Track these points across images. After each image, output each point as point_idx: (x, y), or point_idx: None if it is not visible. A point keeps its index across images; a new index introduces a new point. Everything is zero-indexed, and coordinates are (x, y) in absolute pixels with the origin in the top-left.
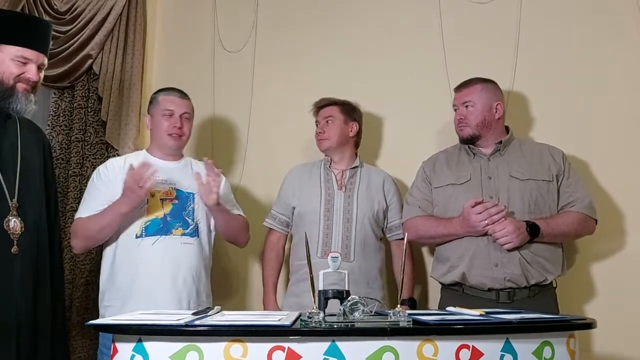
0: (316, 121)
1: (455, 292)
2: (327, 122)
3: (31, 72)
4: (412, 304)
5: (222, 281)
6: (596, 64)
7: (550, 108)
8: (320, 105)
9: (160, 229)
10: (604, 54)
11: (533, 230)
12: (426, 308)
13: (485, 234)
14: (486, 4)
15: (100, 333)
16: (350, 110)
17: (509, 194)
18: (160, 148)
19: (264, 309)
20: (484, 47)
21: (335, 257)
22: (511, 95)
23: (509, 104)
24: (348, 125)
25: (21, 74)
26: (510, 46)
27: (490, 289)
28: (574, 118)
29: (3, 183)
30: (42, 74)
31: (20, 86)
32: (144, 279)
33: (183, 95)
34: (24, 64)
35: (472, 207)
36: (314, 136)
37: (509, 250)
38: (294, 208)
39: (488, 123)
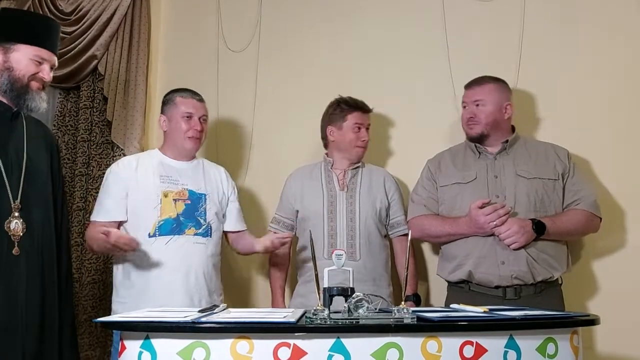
0: (358, 123)
1: (462, 289)
2: (367, 129)
3: (45, 72)
4: (417, 299)
5: (229, 281)
6: (599, 61)
7: (553, 106)
8: (365, 110)
9: (173, 228)
10: (606, 52)
11: (539, 228)
12: (429, 305)
13: (492, 233)
14: (490, 1)
15: (114, 331)
16: None
17: (515, 193)
18: (177, 149)
19: None
20: (487, 45)
21: (340, 255)
22: (515, 93)
23: (512, 102)
24: None
25: (36, 73)
26: (513, 44)
27: (497, 287)
28: (577, 116)
29: (7, 184)
30: (52, 74)
31: (34, 84)
32: (158, 277)
33: (200, 98)
34: (40, 63)
35: (480, 207)
36: (315, 135)
37: (516, 249)
38: (297, 211)
39: (497, 123)
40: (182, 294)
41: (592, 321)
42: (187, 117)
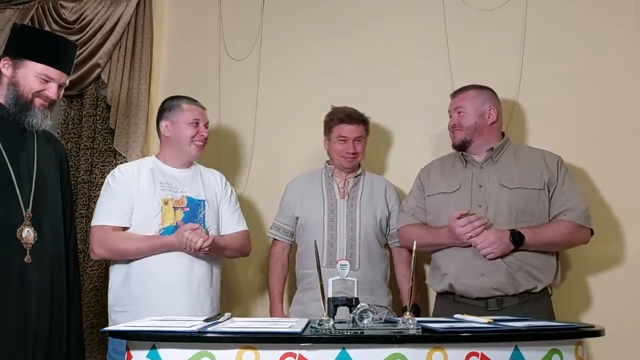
0: (341, 136)
1: (447, 299)
2: (358, 141)
3: (51, 90)
4: (416, 310)
5: (225, 289)
6: (600, 71)
7: (554, 116)
8: (351, 121)
9: None
10: (608, 62)
11: (517, 239)
12: (426, 314)
13: (471, 245)
14: (491, 11)
15: (110, 338)
16: (369, 128)
17: (496, 203)
18: (179, 156)
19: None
20: (488, 55)
21: (344, 265)
22: (516, 103)
23: (514, 112)
24: (367, 142)
25: (41, 91)
26: (515, 54)
27: (478, 298)
28: (578, 126)
29: (18, 193)
30: (61, 92)
31: (38, 101)
32: (159, 285)
33: (203, 105)
34: (46, 82)
35: (458, 218)
36: (316, 143)
37: (492, 259)
38: (297, 218)
39: (479, 128)
40: (184, 302)
41: (597, 332)
42: (195, 123)
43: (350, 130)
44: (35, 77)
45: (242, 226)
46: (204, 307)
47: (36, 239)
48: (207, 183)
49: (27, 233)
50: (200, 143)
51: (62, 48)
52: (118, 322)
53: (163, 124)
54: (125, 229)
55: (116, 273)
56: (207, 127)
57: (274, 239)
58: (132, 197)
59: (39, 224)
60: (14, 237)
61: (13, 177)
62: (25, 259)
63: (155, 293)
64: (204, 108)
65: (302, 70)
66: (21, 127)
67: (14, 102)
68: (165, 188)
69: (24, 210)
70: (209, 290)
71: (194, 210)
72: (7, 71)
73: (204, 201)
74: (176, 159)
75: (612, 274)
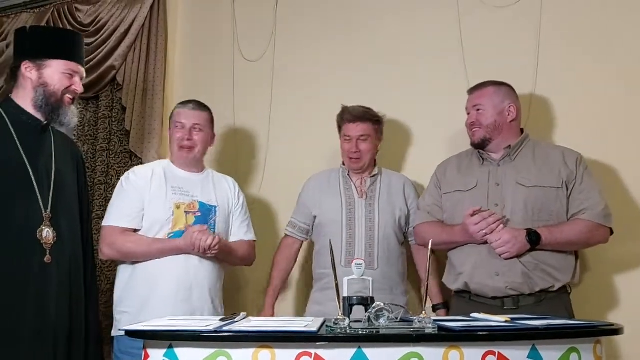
0: (346, 135)
1: (464, 298)
2: (362, 140)
3: (77, 84)
4: (447, 308)
5: (237, 289)
6: (618, 66)
7: (572, 111)
8: (355, 120)
9: None
10: (625, 57)
11: (533, 239)
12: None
13: (486, 242)
14: (506, 7)
15: (115, 337)
16: (381, 126)
17: (513, 202)
18: (179, 160)
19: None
20: (504, 51)
21: (359, 264)
22: (533, 99)
23: (531, 108)
24: (379, 142)
25: (69, 87)
26: (531, 50)
27: (494, 297)
28: (596, 121)
29: (38, 194)
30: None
31: (67, 98)
32: (163, 288)
33: (197, 106)
34: (72, 76)
35: (472, 215)
36: (331, 142)
37: (508, 259)
38: (315, 216)
39: (499, 126)
40: (185, 306)
41: (615, 331)
42: (181, 127)
43: (353, 128)
44: (62, 73)
45: (250, 236)
46: (204, 312)
47: (55, 239)
48: (220, 189)
49: (47, 233)
50: (184, 145)
51: (75, 41)
52: (121, 322)
53: (169, 131)
54: (135, 231)
55: (122, 273)
56: (199, 130)
57: (286, 235)
58: (144, 199)
59: (57, 224)
60: (34, 237)
61: (33, 178)
62: (45, 259)
63: (157, 296)
64: (196, 109)
65: (316, 70)
66: (39, 128)
67: (45, 102)
68: (177, 192)
69: (43, 211)
70: (212, 295)
71: (205, 215)
72: (32, 74)
73: (215, 207)
74: (181, 164)
75: (636, 273)
